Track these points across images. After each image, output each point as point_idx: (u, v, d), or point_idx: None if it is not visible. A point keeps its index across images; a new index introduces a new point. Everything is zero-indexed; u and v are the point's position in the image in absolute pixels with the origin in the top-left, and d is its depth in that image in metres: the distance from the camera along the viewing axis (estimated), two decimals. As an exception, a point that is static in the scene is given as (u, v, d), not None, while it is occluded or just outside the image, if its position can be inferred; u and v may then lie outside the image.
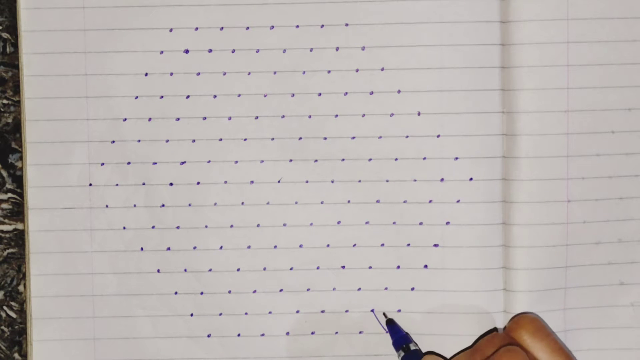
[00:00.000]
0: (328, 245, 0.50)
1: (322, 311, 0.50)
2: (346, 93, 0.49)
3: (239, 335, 0.50)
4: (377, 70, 0.49)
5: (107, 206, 0.50)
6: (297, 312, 0.50)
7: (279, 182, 0.50)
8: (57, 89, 0.49)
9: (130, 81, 0.50)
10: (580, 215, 0.49)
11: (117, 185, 0.50)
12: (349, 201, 0.50)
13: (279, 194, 0.50)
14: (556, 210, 0.48)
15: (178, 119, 0.50)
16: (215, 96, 0.50)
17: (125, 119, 0.50)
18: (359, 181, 0.50)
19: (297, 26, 0.49)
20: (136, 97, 0.50)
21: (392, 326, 0.49)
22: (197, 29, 0.49)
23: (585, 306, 0.49)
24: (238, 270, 0.50)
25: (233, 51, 0.49)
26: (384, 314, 0.50)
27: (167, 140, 0.50)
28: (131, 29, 0.49)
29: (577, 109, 0.48)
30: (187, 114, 0.50)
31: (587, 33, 0.48)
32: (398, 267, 0.50)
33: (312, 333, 0.50)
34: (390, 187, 0.49)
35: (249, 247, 0.50)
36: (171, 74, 0.49)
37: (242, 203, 0.50)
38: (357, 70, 0.49)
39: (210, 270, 0.50)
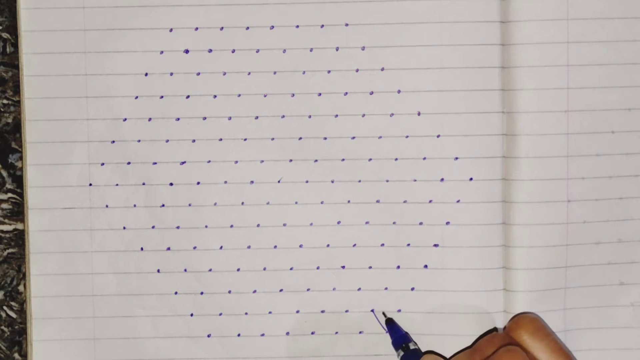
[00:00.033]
0: (328, 245, 0.50)
1: (322, 311, 0.50)
2: (346, 93, 0.49)
3: (239, 335, 0.50)
4: (377, 70, 0.49)
5: (107, 206, 0.50)
6: (297, 312, 0.50)
7: (279, 182, 0.50)
8: (57, 89, 0.49)
9: (130, 81, 0.50)
10: (580, 215, 0.49)
11: (117, 185, 0.50)
12: (349, 201, 0.50)
13: (279, 194, 0.50)
14: (556, 210, 0.48)
15: (178, 119, 0.50)
16: (215, 96, 0.50)
17: (125, 119, 0.50)
18: (359, 181, 0.50)
19: (297, 26, 0.49)
20: (136, 97, 0.50)
21: (391, 325, 0.49)
22: (197, 29, 0.49)
23: (585, 306, 0.49)
24: (238, 270, 0.50)
25: (233, 51, 0.49)
26: (384, 313, 0.50)
27: (167, 140, 0.50)
28: (131, 29, 0.49)
29: (577, 109, 0.48)
30: (187, 114, 0.50)
31: (587, 33, 0.48)
32: (398, 267, 0.50)
33: (312, 333, 0.50)
34: (390, 187, 0.49)
35: (249, 247, 0.50)
36: (171, 74, 0.50)
37: (242, 203, 0.50)
38: (357, 70, 0.49)
39: (210, 270, 0.50)
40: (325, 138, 0.50)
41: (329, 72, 0.49)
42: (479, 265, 0.49)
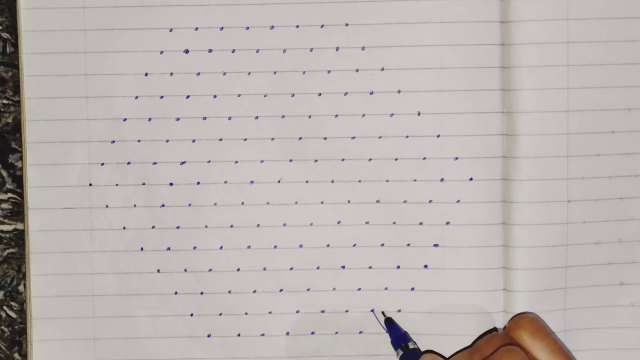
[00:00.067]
0: (328, 245, 0.50)
1: (322, 311, 0.50)
2: (346, 93, 0.49)
3: (239, 335, 0.50)
4: (377, 70, 0.49)
5: (107, 206, 0.50)
6: (297, 312, 0.50)
7: (279, 182, 0.50)
8: (57, 89, 0.49)
9: (130, 81, 0.50)
10: (580, 215, 0.49)
11: (117, 185, 0.50)
12: (349, 201, 0.50)
13: (279, 194, 0.50)
14: (556, 210, 0.48)
15: (178, 119, 0.50)
16: (215, 96, 0.50)
17: (125, 119, 0.50)
18: (359, 181, 0.50)
19: (297, 26, 0.49)
20: (136, 97, 0.50)
21: (390, 325, 0.49)
22: (197, 29, 0.49)
23: (585, 306, 0.49)
24: (238, 270, 0.50)
25: (233, 51, 0.49)
26: (383, 312, 0.50)
27: (167, 140, 0.50)
28: (131, 29, 0.49)
29: (577, 109, 0.48)
30: (187, 114, 0.50)
31: (587, 33, 0.48)
32: (398, 267, 0.50)
33: (312, 333, 0.50)
34: (390, 187, 0.49)
35: (249, 247, 0.50)
36: (171, 74, 0.50)
37: (242, 203, 0.50)
38: (357, 70, 0.49)
39: (210, 270, 0.50)
40: (325, 138, 0.50)
41: (329, 72, 0.49)
42: (479, 265, 0.49)
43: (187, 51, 0.49)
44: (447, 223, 0.49)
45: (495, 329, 0.49)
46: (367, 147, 0.49)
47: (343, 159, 0.50)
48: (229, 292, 0.50)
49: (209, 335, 0.50)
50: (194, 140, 0.50)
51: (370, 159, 0.49)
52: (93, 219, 0.50)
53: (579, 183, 0.49)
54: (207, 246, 0.50)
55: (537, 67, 0.48)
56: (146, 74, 0.49)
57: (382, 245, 0.50)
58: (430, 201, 0.49)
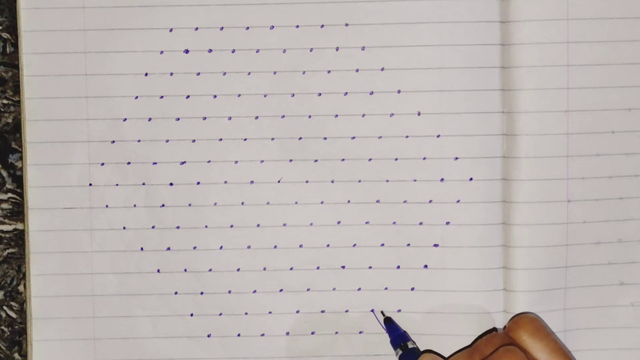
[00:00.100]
0: (328, 245, 0.50)
1: (322, 311, 0.50)
2: (346, 93, 0.49)
3: (239, 335, 0.50)
4: (377, 70, 0.49)
5: (107, 206, 0.50)
6: (297, 312, 0.50)
7: (279, 182, 0.50)
8: (57, 89, 0.49)
9: (130, 81, 0.50)
10: (580, 215, 0.49)
11: (117, 185, 0.50)
12: (349, 201, 0.50)
13: (279, 194, 0.50)
14: (556, 210, 0.48)
15: (178, 119, 0.50)
16: (215, 96, 0.50)
17: (125, 119, 0.50)
18: (359, 181, 0.50)
19: (297, 26, 0.49)
20: (136, 97, 0.50)
21: (390, 325, 0.49)
22: (197, 29, 0.49)
23: (585, 306, 0.49)
24: (238, 270, 0.50)
25: (233, 51, 0.49)
26: (382, 312, 0.50)
27: (167, 140, 0.50)
28: (131, 29, 0.49)
29: (577, 109, 0.48)
30: (187, 114, 0.50)
31: (587, 33, 0.48)
32: (398, 267, 0.50)
33: (312, 333, 0.50)
34: (390, 187, 0.49)
35: (249, 247, 0.50)
36: (171, 74, 0.50)
37: (242, 203, 0.50)
38: (357, 70, 0.49)
39: (210, 270, 0.50)
40: (325, 138, 0.50)
41: (329, 72, 0.49)
42: (479, 265, 0.49)
43: (187, 51, 0.49)
44: (447, 223, 0.49)
45: (495, 329, 0.49)
46: (367, 147, 0.49)
47: (343, 159, 0.50)
48: (229, 292, 0.50)
49: (209, 335, 0.50)
50: (194, 140, 0.50)
51: (370, 159, 0.49)
52: (93, 219, 0.50)
53: (579, 183, 0.49)
54: (207, 246, 0.50)
55: (537, 67, 0.48)
56: (146, 74, 0.49)
57: (382, 245, 0.50)
58: (430, 201, 0.49)
